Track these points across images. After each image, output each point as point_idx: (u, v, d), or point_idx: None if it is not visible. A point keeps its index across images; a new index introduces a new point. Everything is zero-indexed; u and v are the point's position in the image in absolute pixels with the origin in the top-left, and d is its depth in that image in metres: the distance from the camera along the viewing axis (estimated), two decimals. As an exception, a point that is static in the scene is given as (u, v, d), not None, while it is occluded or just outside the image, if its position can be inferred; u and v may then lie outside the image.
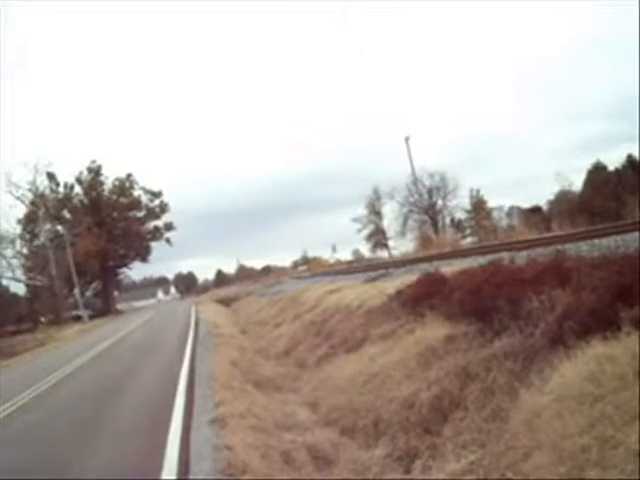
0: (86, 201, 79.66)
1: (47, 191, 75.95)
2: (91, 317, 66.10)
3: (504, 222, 61.86)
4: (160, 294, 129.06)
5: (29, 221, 73.84)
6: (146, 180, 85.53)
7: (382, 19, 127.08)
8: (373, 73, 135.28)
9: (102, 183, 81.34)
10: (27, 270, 72.47)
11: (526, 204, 63.81)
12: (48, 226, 73.27)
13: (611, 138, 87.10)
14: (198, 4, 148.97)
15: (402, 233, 65.53)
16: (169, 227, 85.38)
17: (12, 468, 8.14)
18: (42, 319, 69.14)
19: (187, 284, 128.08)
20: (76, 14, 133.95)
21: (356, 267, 37.63)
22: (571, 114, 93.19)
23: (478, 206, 65.46)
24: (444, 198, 65.00)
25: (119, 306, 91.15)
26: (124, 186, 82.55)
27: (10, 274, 71.14)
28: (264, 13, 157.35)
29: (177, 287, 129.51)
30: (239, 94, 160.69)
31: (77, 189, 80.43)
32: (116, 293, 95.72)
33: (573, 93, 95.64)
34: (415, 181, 61.50)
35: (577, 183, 55.44)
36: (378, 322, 12.24)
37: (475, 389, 6.80)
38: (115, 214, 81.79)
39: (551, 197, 58.26)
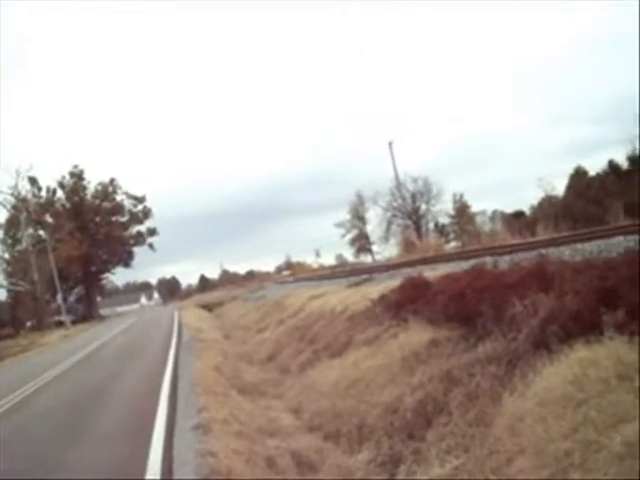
0: (68, 206, 79.34)
1: (29, 195, 75.65)
2: (74, 322, 65.67)
3: (487, 227, 62.12)
4: (143, 299, 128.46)
5: (11, 226, 73.47)
6: (129, 185, 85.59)
7: (375, 20, 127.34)
8: (358, 76, 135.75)
9: (85, 188, 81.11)
10: (9, 275, 72.12)
11: (509, 209, 64.29)
12: (30, 231, 72.85)
13: (594, 143, 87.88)
14: (195, 4, 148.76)
15: (386, 238, 65.75)
16: (152, 232, 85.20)
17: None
18: (29, 323, 68.73)
19: (170, 289, 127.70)
20: (62, 15, 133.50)
21: (340, 272, 37.68)
22: (556, 118, 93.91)
23: (461, 211, 65.79)
24: (427, 203, 65.32)
25: (102, 311, 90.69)
26: (107, 191, 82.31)
27: (-8, 279, 70.79)
28: (263, 13, 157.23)
29: (160, 292, 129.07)
30: (222, 97, 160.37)
31: (59, 193, 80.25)
32: (99, 298, 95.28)
33: (563, 96, 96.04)
34: (398, 186, 61.69)
35: (559, 188, 55.87)
36: (362, 327, 12.23)
37: (459, 394, 6.81)
38: (98, 219, 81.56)
39: (534, 201, 58.65)
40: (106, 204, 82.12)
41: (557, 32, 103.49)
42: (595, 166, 53.43)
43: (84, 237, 76.50)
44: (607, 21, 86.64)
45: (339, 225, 72.30)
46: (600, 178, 50.25)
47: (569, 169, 55.08)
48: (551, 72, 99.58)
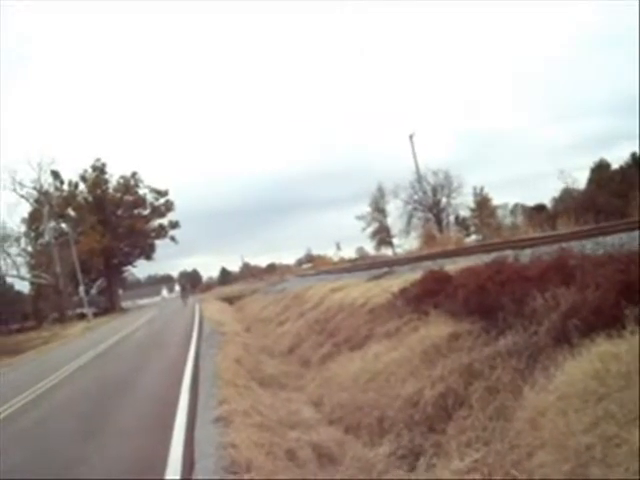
0: (90, 199, 79.81)
1: (51, 189, 76.27)
2: (95, 315, 66.20)
3: (508, 220, 61.76)
4: (164, 292, 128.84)
5: (33, 219, 74.02)
6: (152, 179, 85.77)
7: (384, 18, 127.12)
8: (378, 71, 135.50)
9: (107, 181, 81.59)
10: (32, 268, 72.71)
11: (530, 202, 63.88)
12: (52, 224, 73.38)
13: (611, 136, 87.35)
14: (202, 4, 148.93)
15: (406, 231, 65.43)
16: (174, 225, 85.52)
17: (19, 464, 8.20)
18: (52, 315, 69.22)
19: (191, 282, 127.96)
20: (82, 12, 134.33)
21: (360, 265, 37.57)
22: (572, 112, 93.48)
23: (482, 204, 65.33)
24: (448, 196, 64.91)
25: (123, 304, 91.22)
26: (129, 184, 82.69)
27: (15, 272, 71.59)
28: (266, 13, 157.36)
29: (180, 285, 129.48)
30: (244, 92, 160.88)
31: (81, 187, 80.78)
32: (120, 291, 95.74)
33: (574, 91, 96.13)
34: (419, 179, 61.36)
35: (580, 181, 55.44)
36: (382, 320, 12.22)
37: (479, 387, 6.80)
38: (120, 212, 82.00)
39: (555, 195, 58.20)
40: (128, 197, 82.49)
41: (559, 31, 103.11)
42: (614, 159, 53.11)
43: (106, 230, 76.98)
44: (607, 21, 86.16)
45: (360, 218, 72.02)
46: (622, 171, 49.83)
47: (587, 162, 54.75)
48: (562, 69, 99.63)
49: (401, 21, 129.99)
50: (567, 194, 54.64)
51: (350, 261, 62.84)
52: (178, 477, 6.40)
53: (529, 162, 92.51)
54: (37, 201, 73.58)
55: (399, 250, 61.53)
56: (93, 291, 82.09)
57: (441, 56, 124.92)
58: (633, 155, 50.19)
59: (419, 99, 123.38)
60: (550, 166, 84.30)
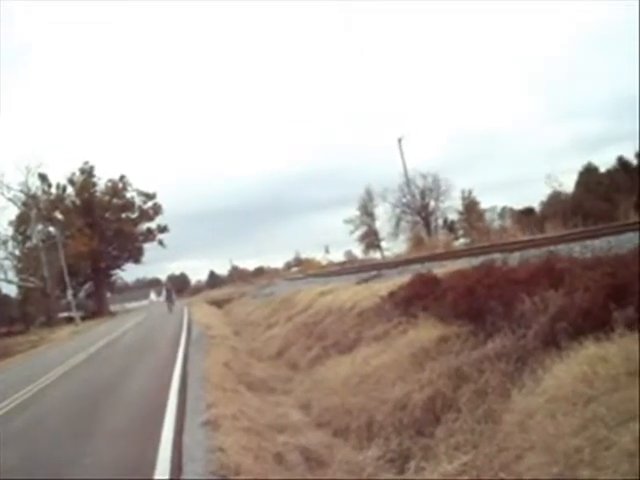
0: (78, 202, 79.22)
1: (39, 192, 75.63)
2: (83, 318, 65.70)
3: (496, 223, 61.95)
4: (152, 296, 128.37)
5: (21, 222, 73.53)
6: (140, 182, 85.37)
7: (381, 18, 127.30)
8: (368, 73, 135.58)
9: (95, 184, 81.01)
10: (19, 271, 72.17)
11: (518, 205, 64.07)
12: (40, 227, 72.94)
13: (599, 139, 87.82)
14: (195, 3, 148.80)
15: (395, 234, 65.56)
16: (162, 229, 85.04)
17: (14, 465, 8.16)
18: (39, 319, 68.83)
19: (177, 285, 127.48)
20: (69, 15, 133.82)
21: (349, 268, 37.60)
22: (562, 115, 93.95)
23: (470, 207, 65.53)
24: (437, 199, 65.11)
25: (112, 307, 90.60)
26: (117, 187, 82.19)
27: (2, 275, 70.95)
28: (263, 12, 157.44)
29: (166, 289, 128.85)
30: (231, 93, 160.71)
31: (69, 190, 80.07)
32: (109, 295, 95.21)
33: (566, 94, 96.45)
34: (408, 182, 61.35)
35: (567, 184, 55.66)
36: (371, 323, 12.23)
37: (468, 390, 6.81)
38: (108, 215, 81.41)
39: (543, 198, 58.43)
40: (116, 201, 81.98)
41: (562, 30, 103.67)
42: (602, 162, 53.41)
43: (94, 233, 76.45)
44: (610, 19, 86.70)
45: (348, 221, 72.12)
46: (610, 174, 50.09)
47: (577, 165, 54.98)
48: (555, 70, 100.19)
49: (395, 21, 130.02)
50: (555, 198, 54.86)
51: (339, 264, 62.86)
52: (167, 478, 6.38)
53: (520, 165, 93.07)
54: (25, 204, 73.05)
55: (387, 253, 61.68)
56: (81, 295, 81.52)
57: (437, 57, 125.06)
58: (619, 159, 50.46)
59: (408, 101, 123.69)
60: (546, 168, 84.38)
